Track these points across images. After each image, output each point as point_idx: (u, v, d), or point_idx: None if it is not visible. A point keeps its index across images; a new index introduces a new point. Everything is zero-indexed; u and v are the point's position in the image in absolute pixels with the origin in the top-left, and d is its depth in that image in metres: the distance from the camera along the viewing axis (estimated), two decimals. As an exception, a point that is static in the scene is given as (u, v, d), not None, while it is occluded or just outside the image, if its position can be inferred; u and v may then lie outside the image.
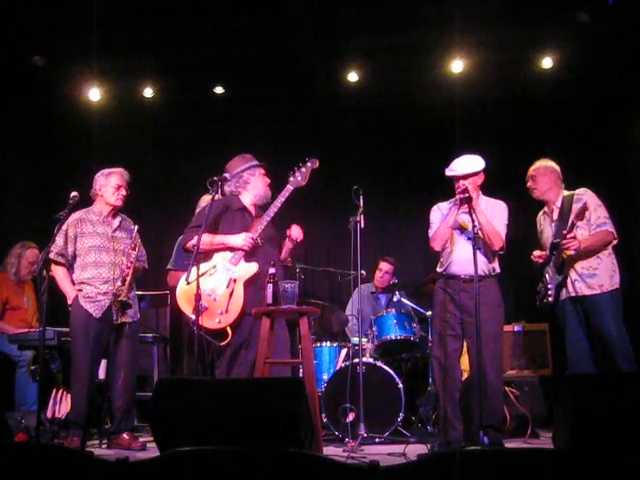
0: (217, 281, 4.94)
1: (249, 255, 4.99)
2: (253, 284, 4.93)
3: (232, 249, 4.99)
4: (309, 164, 5.14)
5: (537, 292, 5.51)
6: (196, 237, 4.81)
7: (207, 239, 4.94)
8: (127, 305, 5.35)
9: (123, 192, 5.47)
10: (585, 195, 5.33)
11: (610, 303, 5.17)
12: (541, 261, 5.44)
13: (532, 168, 5.56)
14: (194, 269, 4.73)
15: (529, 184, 5.55)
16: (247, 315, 4.87)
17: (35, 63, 7.01)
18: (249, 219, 5.15)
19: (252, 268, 4.95)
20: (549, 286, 5.35)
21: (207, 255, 5.05)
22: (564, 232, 5.14)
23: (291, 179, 5.09)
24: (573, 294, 5.26)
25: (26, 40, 6.82)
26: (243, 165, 5.24)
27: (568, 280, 5.27)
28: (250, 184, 5.22)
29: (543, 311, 5.56)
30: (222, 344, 4.85)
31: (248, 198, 5.22)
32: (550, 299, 5.35)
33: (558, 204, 5.44)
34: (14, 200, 7.82)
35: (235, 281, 4.91)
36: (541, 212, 5.65)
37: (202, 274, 4.84)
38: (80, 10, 6.25)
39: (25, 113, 7.64)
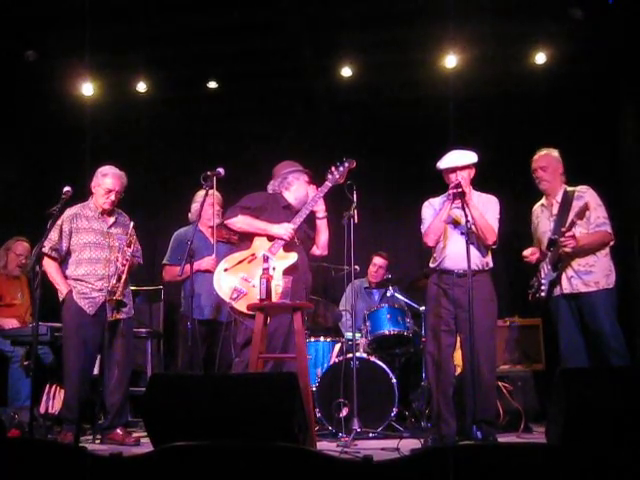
0: (256, 268, 5.00)
1: (285, 248, 5.14)
2: (291, 274, 5.01)
3: (271, 237, 5.14)
4: (347, 164, 5.32)
5: (530, 286, 5.49)
6: (240, 216, 5.18)
7: (247, 220, 5.19)
8: (122, 304, 5.34)
9: (112, 197, 5.44)
10: (587, 193, 5.29)
11: (605, 301, 5.15)
12: (534, 260, 5.42)
13: (542, 158, 5.46)
14: (234, 255, 5.15)
15: (539, 174, 5.44)
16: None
17: (27, 58, 6.99)
18: (292, 217, 5.26)
19: (292, 257, 5.09)
20: (543, 282, 5.33)
21: (245, 243, 5.22)
22: (563, 230, 5.13)
23: (329, 176, 5.26)
24: (568, 291, 5.22)
25: (18, 34, 6.79)
26: (290, 168, 5.47)
27: (564, 276, 5.24)
28: (293, 186, 5.42)
29: (537, 305, 5.54)
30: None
31: (289, 199, 5.40)
32: (543, 294, 5.33)
33: (558, 199, 5.39)
34: (5, 195, 7.79)
35: (274, 269, 4.96)
36: (538, 204, 5.59)
37: (241, 260, 5.11)
38: (73, 4, 6.23)
39: (17, 108, 7.60)
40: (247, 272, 5.05)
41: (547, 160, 5.44)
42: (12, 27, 6.66)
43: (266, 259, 4.79)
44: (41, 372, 5.96)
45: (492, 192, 5.25)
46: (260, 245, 5.14)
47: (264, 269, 4.69)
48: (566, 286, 5.24)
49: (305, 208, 5.25)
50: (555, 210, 5.39)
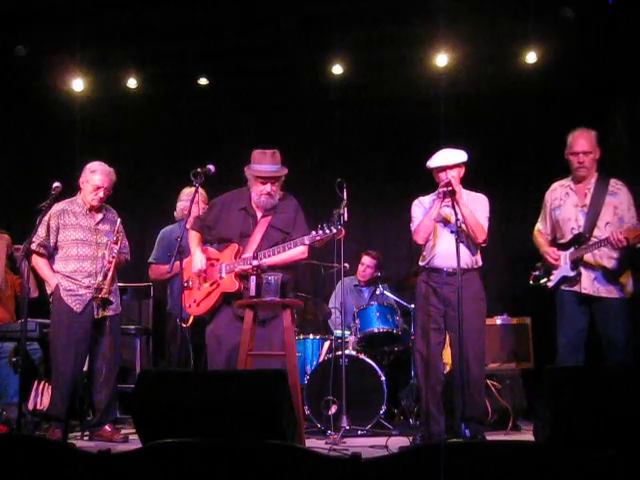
0: (209, 275, 5.00)
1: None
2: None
3: (237, 253, 4.95)
4: (335, 231, 4.68)
5: (536, 268, 5.35)
6: (191, 232, 5.10)
7: (191, 237, 5.11)
8: (108, 302, 5.34)
9: (100, 194, 5.41)
10: (622, 191, 5.10)
11: (624, 309, 5.01)
12: (556, 263, 5.18)
13: (587, 141, 5.12)
14: (210, 248, 5.10)
15: (581, 159, 5.11)
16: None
17: (18, 53, 6.96)
18: (251, 221, 5.03)
19: (231, 287, 4.91)
20: (554, 272, 5.17)
21: (222, 245, 5.08)
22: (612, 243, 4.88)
23: (313, 233, 4.72)
24: (588, 292, 5.02)
25: (8, 29, 6.75)
26: (251, 163, 5.01)
27: (585, 276, 5.03)
28: (250, 184, 5.04)
29: (537, 290, 5.32)
30: (184, 325, 5.08)
31: (253, 198, 5.05)
32: (550, 284, 5.19)
33: (591, 188, 5.13)
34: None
35: (218, 286, 4.93)
36: (561, 184, 5.31)
37: (208, 259, 5.01)
38: (63, -1, 6.21)
39: (7, 103, 7.58)
40: (205, 272, 5.02)
41: (592, 144, 5.13)
42: (1, 22, 6.62)
43: (255, 256, 4.76)
44: (29, 368, 5.95)
45: (482, 191, 5.26)
46: (227, 255, 4.99)
47: (254, 266, 4.68)
48: (586, 286, 5.03)
49: (271, 251, 4.81)
50: (587, 200, 5.13)
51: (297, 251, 4.90)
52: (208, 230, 5.15)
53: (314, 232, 4.71)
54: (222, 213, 5.10)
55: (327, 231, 4.65)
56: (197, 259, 5.00)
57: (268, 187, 4.94)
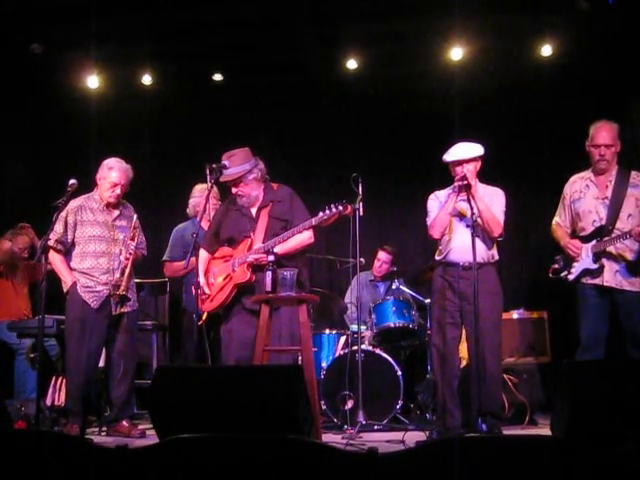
0: (223, 270, 5.03)
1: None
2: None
3: (250, 247, 4.97)
4: (340, 207, 4.65)
5: (555, 261, 5.32)
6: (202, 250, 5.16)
7: (201, 263, 5.14)
8: (126, 299, 5.35)
9: (117, 191, 5.42)
10: None
11: None
12: (578, 256, 5.13)
13: (609, 134, 5.10)
14: (225, 248, 5.12)
15: (602, 152, 5.09)
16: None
17: (33, 50, 6.99)
18: (247, 219, 5.10)
19: (242, 277, 4.93)
20: (575, 265, 5.13)
21: (231, 243, 5.14)
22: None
23: (320, 214, 4.72)
24: (611, 284, 4.99)
25: (24, 27, 6.79)
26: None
27: (608, 269, 4.99)
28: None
29: (558, 281, 5.26)
30: (198, 323, 5.07)
31: None
32: (570, 277, 5.16)
33: (612, 180, 5.12)
34: (11, 187, 7.82)
35: (231, 279, 4.95)
36: (581, 176, 5.27)
37: (224, 256, 5.08)
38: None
39: (23, 100, 7.61)
40: (218, 267, 5.09)
41: (614, 138, 5.10)
42: (18, 20, 6.66)
43: (271, 251, 4.77)
44: (47, 364, 5.98)
45: (498, 184, 5.24)
46: (240, 250, 5.04)
47: (269, 261, 4.68)
48: (608, 279, 5.00)
49: (277, 239, 4.86)
50: (609, 193, 5.10)
51: (304, 236, 4.95)
52: (215, 237, 5.22)
53: (321, 213, 4.73)
54: (223, 218, 5.22)
55: (333, 210, 4.66)
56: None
57: (234, 189, 5.08)
